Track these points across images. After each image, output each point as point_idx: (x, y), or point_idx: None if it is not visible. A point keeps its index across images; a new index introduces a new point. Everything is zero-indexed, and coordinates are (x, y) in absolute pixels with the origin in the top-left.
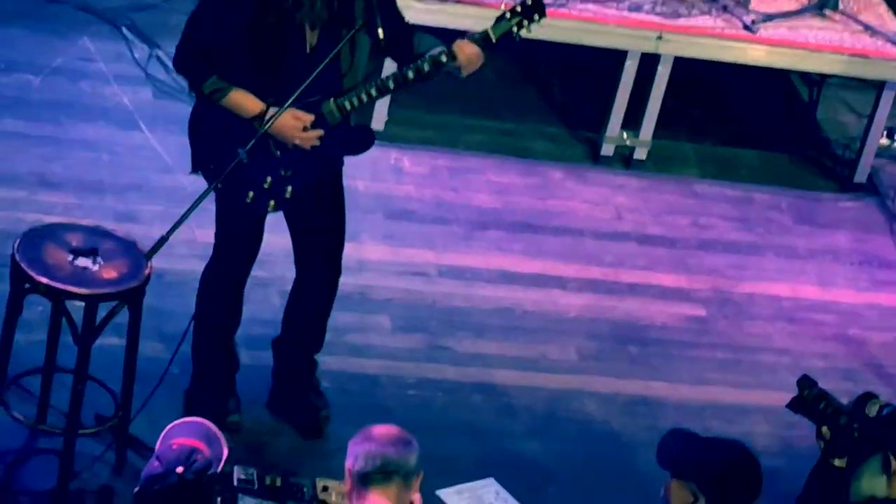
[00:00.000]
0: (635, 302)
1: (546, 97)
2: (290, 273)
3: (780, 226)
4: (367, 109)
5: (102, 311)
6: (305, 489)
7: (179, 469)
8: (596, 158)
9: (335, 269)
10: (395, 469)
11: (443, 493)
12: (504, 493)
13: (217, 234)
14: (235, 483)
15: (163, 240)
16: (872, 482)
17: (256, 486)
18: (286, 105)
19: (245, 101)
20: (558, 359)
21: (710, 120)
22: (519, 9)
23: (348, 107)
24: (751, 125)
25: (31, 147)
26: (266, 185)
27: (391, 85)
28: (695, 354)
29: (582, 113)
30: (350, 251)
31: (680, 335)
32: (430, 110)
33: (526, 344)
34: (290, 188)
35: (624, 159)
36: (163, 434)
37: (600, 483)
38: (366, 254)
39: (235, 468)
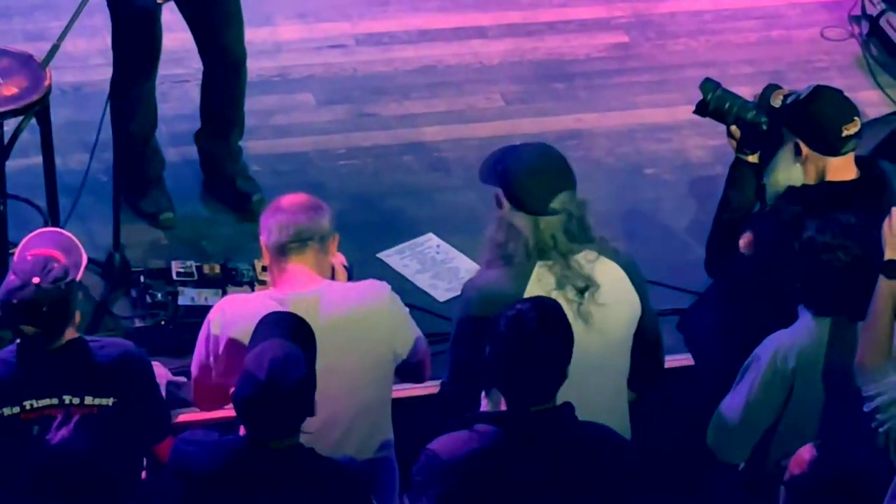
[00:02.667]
0: (556, 39)
1: None
2: None
3: None
4: None
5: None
6: (245, 272)
7: (36, 279)
8: None
9: (238, 52)
10: (309, 236)
11: (384, 255)
12: (445, 246)
13: (114, 39)
14: (174, 277)
15: (55, 48)
16: (787, 172)
17: (196, 277)
18: None
19: None
20: (485, 107)
21: None
22: None
23: None
24: None
25: None
26: None
27: None
28: (621, 81)
29: None
30: (265, 34)
31: (604, 64)
32: None
33: (452, 98)
34: None
35: None
36: (19, 248)
37: None
38: (281, 35)
39: (173, 262)
